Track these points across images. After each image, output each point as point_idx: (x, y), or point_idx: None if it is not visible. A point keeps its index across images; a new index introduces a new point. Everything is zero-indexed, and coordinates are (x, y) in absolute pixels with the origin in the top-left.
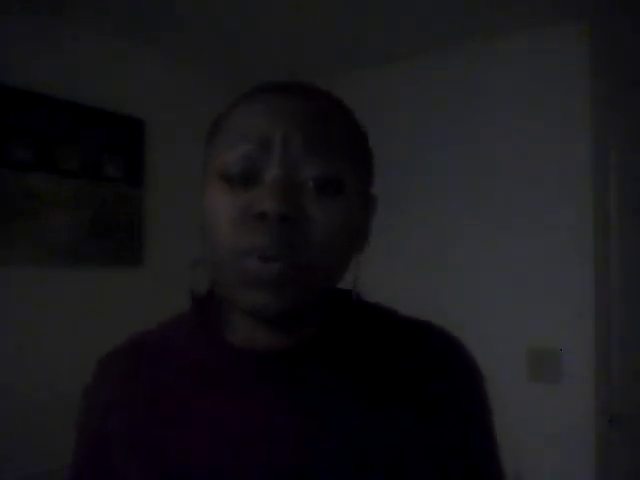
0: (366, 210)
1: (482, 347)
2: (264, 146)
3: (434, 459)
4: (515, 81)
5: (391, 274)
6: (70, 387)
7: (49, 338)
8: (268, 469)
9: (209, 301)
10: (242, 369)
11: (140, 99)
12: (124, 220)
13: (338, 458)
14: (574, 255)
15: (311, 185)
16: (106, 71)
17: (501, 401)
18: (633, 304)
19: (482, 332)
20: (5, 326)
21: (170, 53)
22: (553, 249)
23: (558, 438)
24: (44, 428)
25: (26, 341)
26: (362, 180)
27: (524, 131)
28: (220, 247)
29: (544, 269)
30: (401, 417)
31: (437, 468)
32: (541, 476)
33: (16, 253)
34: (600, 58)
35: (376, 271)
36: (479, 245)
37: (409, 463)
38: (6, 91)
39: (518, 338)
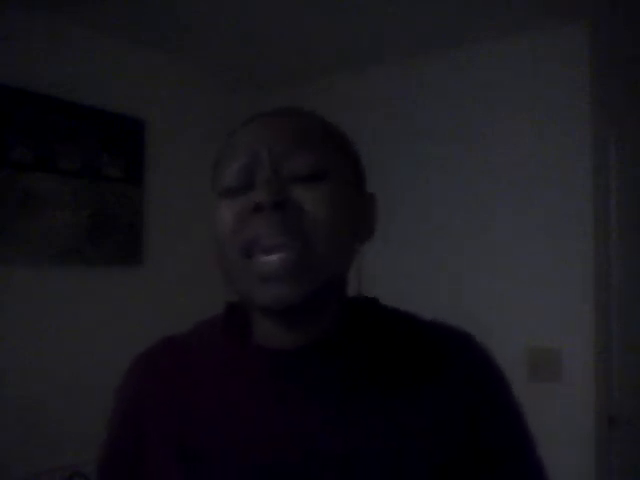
0: (364, 202)
1: None
2: (254, 157)
3: (443, 460)
4: (515, 81)
5: (391, 275)
6: (71, 386)
7: (49, 338)
8: (271, 464)
9: (238, 308)
10: (262, 366)
11: (140, 99)
12: (124, 220)
13: (340, 457)
14: (574, 255)
15: (297, 177)
16: (106, 71)
17: None
18: (633, 304)
19: (482, 332)
20: (5, 326)
21: (170, 53)
22: (553, 249)
23: (558, 438)
24: (44, 428)
25: (26, 341)
26: (349, 170)
27: (524, 131)
28: (228, 250)
29: (544, 269)
30: (412, 417)
31: (448, 465)
32: None
33: (16, 253)
34: (600, 58)
35: (376, 271)
36: (479, 245)
37: (411, 462)
38: (6, 91)
39: (518, 338)
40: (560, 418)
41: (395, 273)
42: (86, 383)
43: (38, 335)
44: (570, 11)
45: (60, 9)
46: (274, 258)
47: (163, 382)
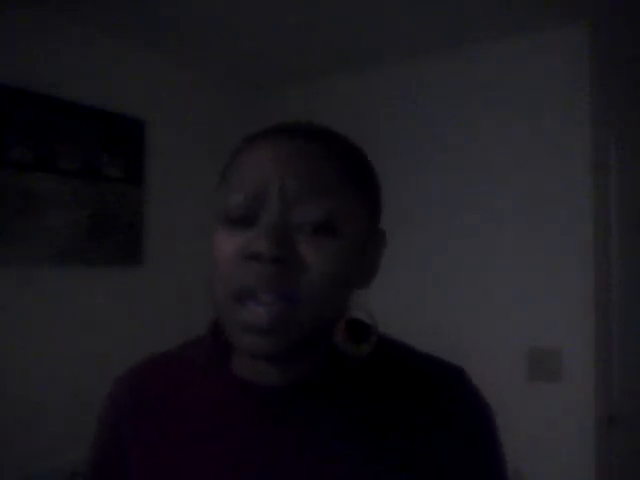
0: (373, 245)
1: (483, 347)
2: (262, 191)
3: None
4: (515, 81)
5: (392, 274)
6: (70, 386)
7: (49, 338)
8: None
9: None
10: (245, 403)
11: (140, 99)
12: (124, 220)
13: None
14: (574, 255)
15: (306, 228)
16: (106, 71)
17: (501, 401)
18: (633, 304)
19: (483, 332)
20: (5, 326)
21: (170, 53)
22: (553, 249)
23: (558, 438)
24: (44, 428)
25: (26, 341)
26: (365, 217)
27: (524, 131)
28: (218, 287)
29: (544, 269)
30: (398, 453)
31: None
32: (541, 476)
33: (16, 253)
34: (600, 58)
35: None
36: (479, 245)
37: None
38: (6, 91)
39: (519, 338)
40: (560, 418)
41: (395, 273)
42: (86, 383)
43: (38, 335)
44: (570, 11)
45: (60, 9)
46: (260, 310)
47: (144, 405)
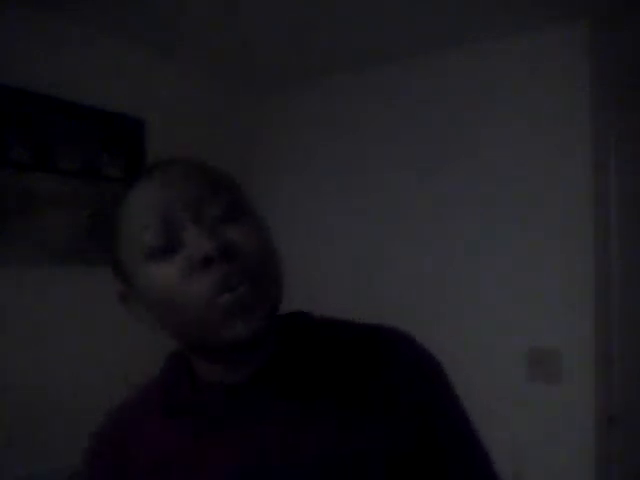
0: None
1: (483, 347)
2: (171, 213)
3: (399, 456)
4: (515, 81)
5: (392, 274)
6: (70, 387)
7: (49, 338)
8: None
9: (177, 361)
10: (213, 404)
11: (140, 99)
12: None
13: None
14: (574, 255)
15: (221, 218)
16: (106, 71)
17: (501, 401)
18: (633, 304)
19: (483, 332)
20: (4, 326)
21: (170, 53)
22: (553, 249)
23: (558, 438)
24: (44, 428)
25: (26, 341)
26: (252, 206)
27: (524, 131)
28: (187, 305)
29: (544, 269)
30: (363, 420)
31: (404, 460)
32: (541, 476)
33: (16, 253)
34: (600, 58)
35: (377, 272)
36: (479, 245)
37: (373, 466)
38: (6, 91)
39: (519, 338)
40: (560, 418)
41: (395, 273)
42: (86, 383)
43: (38, 335)
44: (570, 11)
45: (60, 9)
46: (239, 293)
47: (123, 450)
